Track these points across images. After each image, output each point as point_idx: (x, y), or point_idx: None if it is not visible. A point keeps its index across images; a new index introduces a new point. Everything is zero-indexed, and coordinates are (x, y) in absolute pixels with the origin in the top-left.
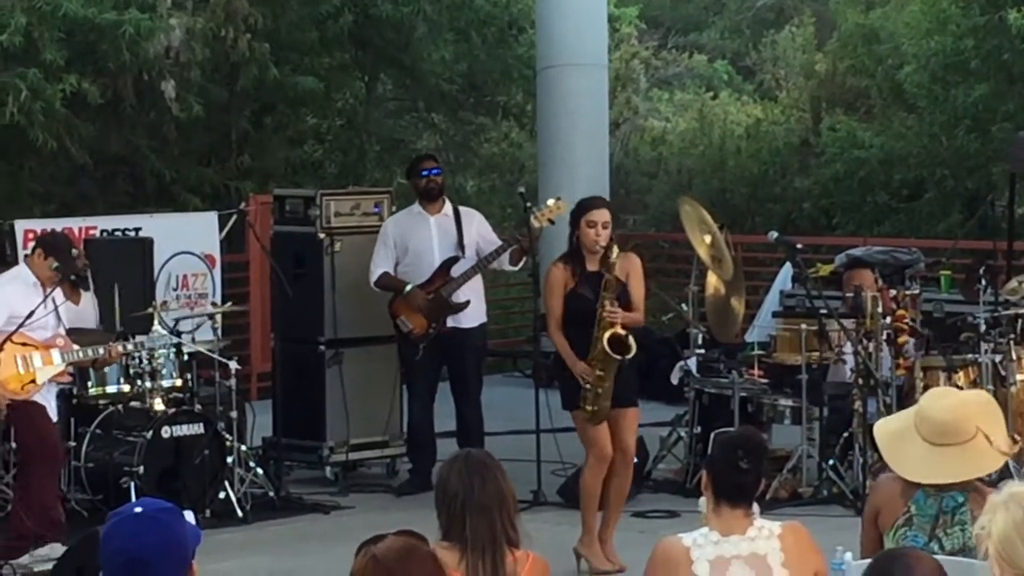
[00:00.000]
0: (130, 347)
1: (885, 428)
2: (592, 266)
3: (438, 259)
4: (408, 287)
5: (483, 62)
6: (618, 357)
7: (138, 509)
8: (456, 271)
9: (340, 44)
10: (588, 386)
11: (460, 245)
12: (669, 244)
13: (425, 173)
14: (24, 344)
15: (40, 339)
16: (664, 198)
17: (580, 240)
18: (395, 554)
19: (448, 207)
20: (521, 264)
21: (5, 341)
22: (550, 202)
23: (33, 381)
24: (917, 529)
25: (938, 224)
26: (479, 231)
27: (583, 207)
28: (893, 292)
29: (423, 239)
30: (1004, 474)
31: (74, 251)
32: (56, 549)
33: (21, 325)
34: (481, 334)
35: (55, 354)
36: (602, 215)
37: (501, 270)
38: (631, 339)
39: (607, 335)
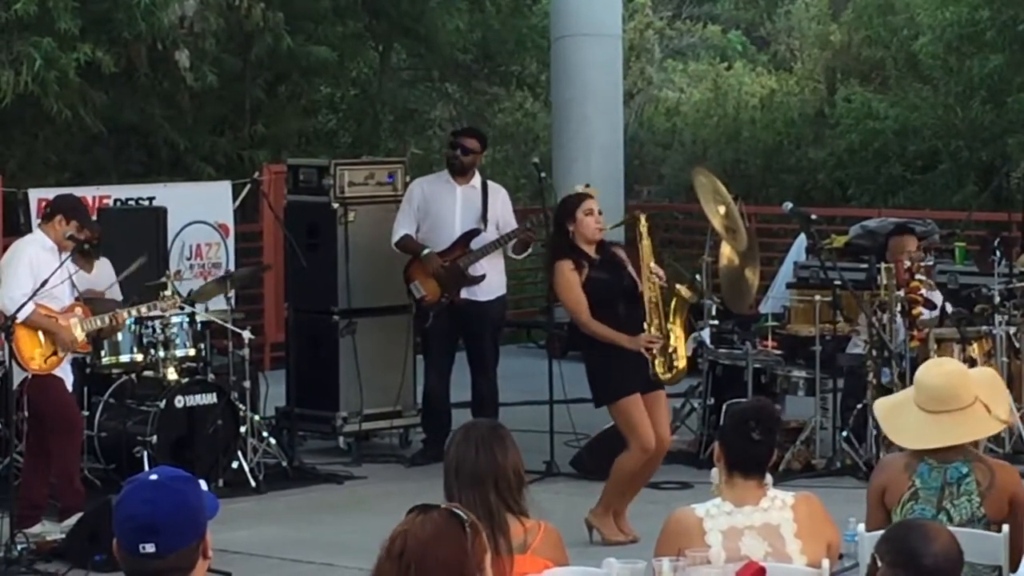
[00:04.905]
0: (143, 310)
1: (885, 403)
2: (593, 254)
3: (458, 229)
4: (425, 251)
5: (497, 32)
6: (692, 299)
7: (154, 476)
8: (476, 244)
9: (354, 13)
10: (655, 349)
11: (483, 219)
12: (683, 215)
13: (455, 148)
14: (46, 316)
15: (57, 308)
16: (678, 169)
17: (577, 232)
18: (423, 538)
19: (477, 179)
20: (524, 255)
21: (14, 316)
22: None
23: (55, 353)
24: (924, 502)
25: (953, 195)
26: (502, 209)
27: (572, 202)
28: (931, 261)
29: (446, 207)
30: (1019, 447)
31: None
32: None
33: (36, 292)
34: (499, 307)
35: (75, 324)
36: (594, 202)
37: (506, 252)
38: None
39: (680, 287)
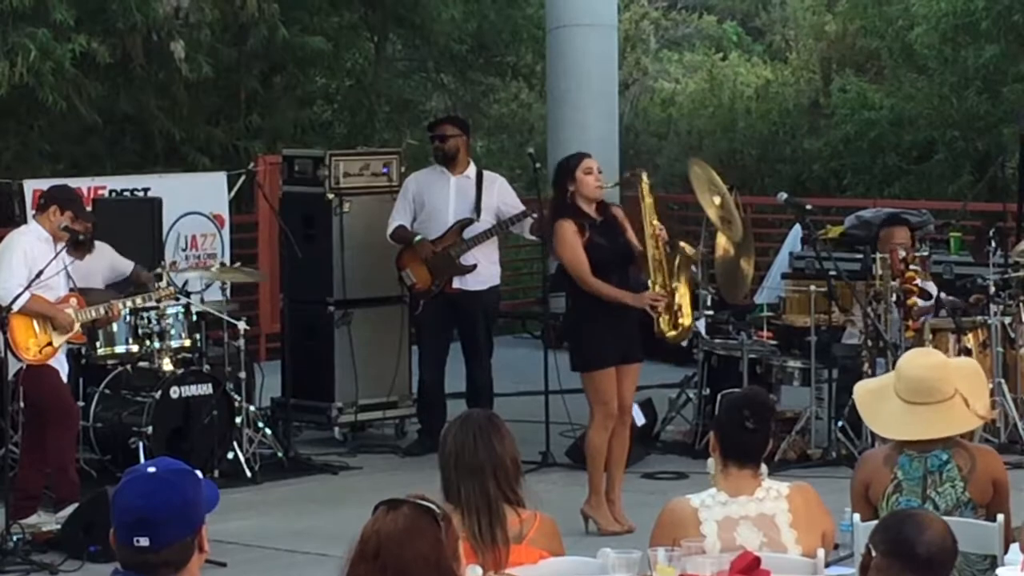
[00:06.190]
0: (139, 301)
1: (865, 387)
2: (594, 215)
3: (452, 218)
4: (417, 238)
5: (493, 22)
6: (696, 257)
7: (152, 468)
8: (469, 233)
9: (349, 3)
10: (660, 307)
11: (476, 208)
12: (679, 206)
13: (434, 140)
14: (42, 301)
15: (51, 299)
16: (674, 159)
17: (578, 192)
18: (397, 535)
19: (471, 169)
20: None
21: (9, 306)
22: None
23: (50, 344)
24: (908, 493)
25: (948, 186)
26: (500, 196)
27: (572, 161)
28: (926, 252)
29: (440, 197)
30: (1014, 438)
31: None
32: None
33: (32, 283)
34: (492, 297)
35: (70, 314)
36: (593, 161)
37: (520, 235)
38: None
39: (684, 245)
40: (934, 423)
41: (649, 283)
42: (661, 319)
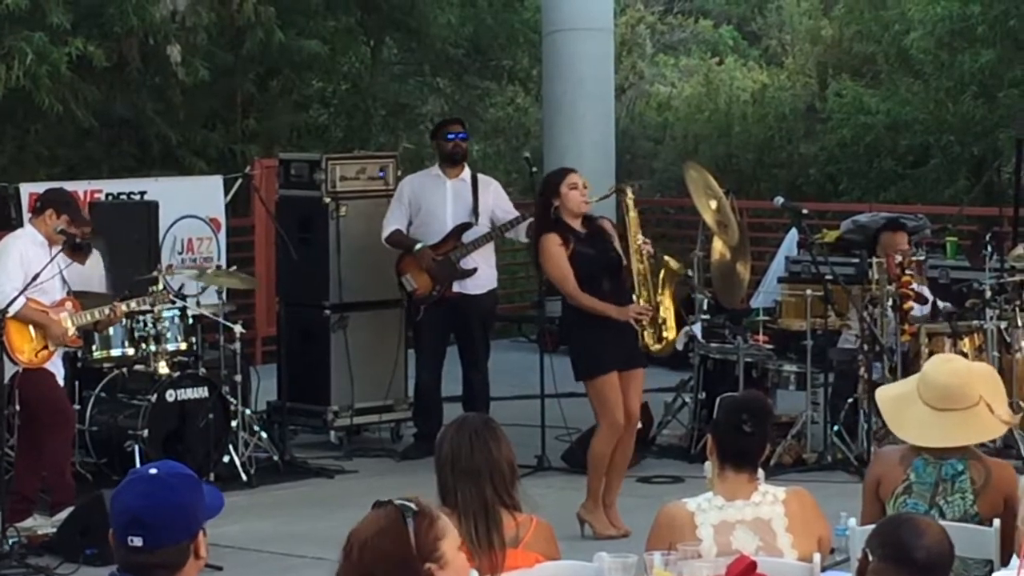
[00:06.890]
0: (133, 305)
1: (888, 393)
2: (579, 228)
3: (449, 222)
4: (418, 246)
5: (489, 26)
6: (681, 272)
7: (153, 470)
8: (468, 237)
9: (345, 7)
10: (645, 320)
11: (474, 212)
12: (675, 210)
13: (451, 136)
14: (37, 310)
15: (47, 303)
16: (670, 163)
17: (562, 206)
18: (363, 534)
19: (467, 173)
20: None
21: (5, 310)
22: None
23: (46, 347)
24: (917, 497)
25: (944, 190)
26: (495, 200)
27: (557, 177)
28: (923, 256)
29: (437, 201)
30: (1009, 442)
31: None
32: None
33: (27, 287)
34: (490, 301)
35: (65, 318)
36: (578, 176)
37: (515, 239)
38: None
39: (669, 259)
40: (963, 430)
41: (634, 297)
42: (646, 333)
